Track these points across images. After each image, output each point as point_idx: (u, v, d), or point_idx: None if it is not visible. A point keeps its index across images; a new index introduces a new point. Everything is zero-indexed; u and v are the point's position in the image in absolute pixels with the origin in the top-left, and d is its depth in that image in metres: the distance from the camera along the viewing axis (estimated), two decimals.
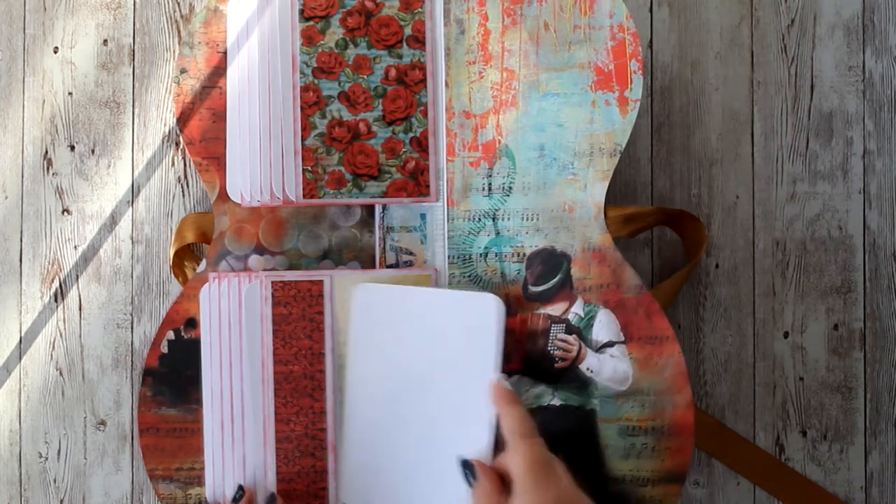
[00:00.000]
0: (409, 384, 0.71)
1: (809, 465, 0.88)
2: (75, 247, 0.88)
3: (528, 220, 0.75)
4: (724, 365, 0.88)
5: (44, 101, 0.88)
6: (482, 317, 0.68)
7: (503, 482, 0.63)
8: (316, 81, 0.74)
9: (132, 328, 0.88)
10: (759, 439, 0.88)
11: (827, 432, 0.88)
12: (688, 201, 0.88)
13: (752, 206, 0.89)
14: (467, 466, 0.65)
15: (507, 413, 0.64)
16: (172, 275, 0.85)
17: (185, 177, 0.88)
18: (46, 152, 0.88)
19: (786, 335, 0.88)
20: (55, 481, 0.88)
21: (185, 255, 0.84)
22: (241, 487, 0.72)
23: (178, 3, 0.88)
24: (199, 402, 0.74)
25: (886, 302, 0.88)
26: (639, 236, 0.88)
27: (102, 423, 0.88)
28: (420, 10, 0.74)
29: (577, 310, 0.75)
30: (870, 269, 0.89)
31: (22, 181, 0.88)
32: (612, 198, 0.87)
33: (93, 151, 0.88)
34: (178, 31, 0.88)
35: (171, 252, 0.83)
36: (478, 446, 0.66)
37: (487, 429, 0.66)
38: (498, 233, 0.75)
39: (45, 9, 0.88)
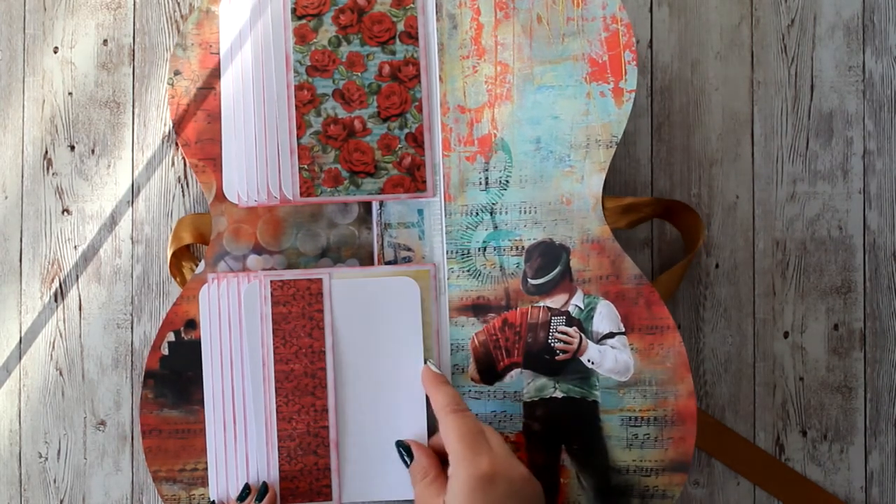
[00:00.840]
0: (351, 373, 0.74)
1: (809, 465, 0.88)
2: (75, 247, 0.88)
3: (525, 213, 0.75)
4: (724, 365, 0.88)
5: (44, 101, 0.88)
6: (405, 299, 0.73)
7: (439, 458, 0.68)
8: (310, 80, 0.74)
9: (132, 328, 0.88)
10: (759, 439, 0.88)
11: (827, 432, 0.88)
12: (688, 201, 0.88)
13: (752, 206, 0.89)
14: (402, 446, 0.70)
15: (435, 392, 0.68)
16: (171, 276, 0.85)
17: (185, 177, 0.88)
18: (46, 152, 0.88)
19: (786, 335, 0.88)
20: (55, 481, 0.88)
21: (183, 256, 0.84)
22: (246, 486, 0.72)
23: (178, 3, 0.88)
24: (200, 402, 0.74)
25: (886, 302, 0.88)
26: (639, 236, 0.88)
27: (102, 423, 0.88)
28: (412, 5, 0.74)
29: (577, 301, 0.75)
30: (870, 269, 0.88)
31: (22, 181, 0.88)
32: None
33: (93, 151, 0.88)
34: (179, 31, 0.88)
35: (169, 253, 0.83)
36: (418, 424, 0.73)
37: (423, 407, 0.73)
38: (496, 226, 0.75)
39: (45, 9, 0.89)
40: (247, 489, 0.72)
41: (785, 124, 0.89)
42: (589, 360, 0.74)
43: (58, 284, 0.88)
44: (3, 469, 0.88)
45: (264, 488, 0.71)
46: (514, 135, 0.75)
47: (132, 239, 0.88)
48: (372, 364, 0.73)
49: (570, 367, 0.74)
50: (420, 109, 0.74)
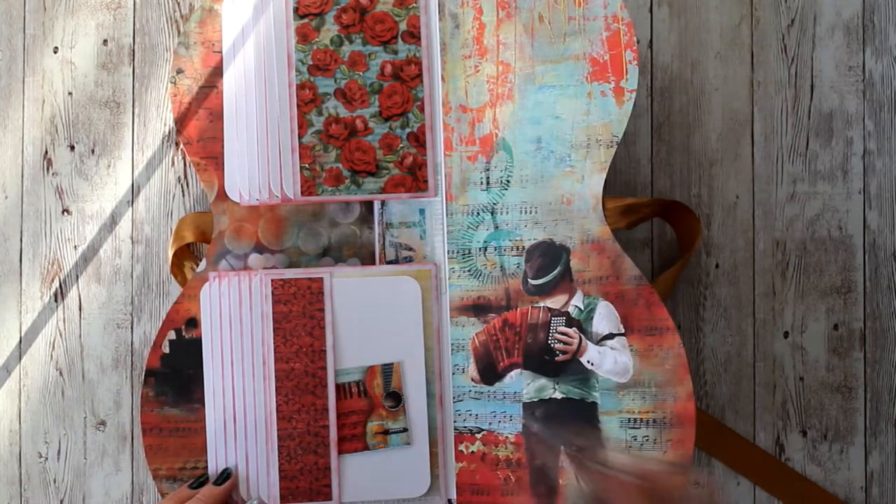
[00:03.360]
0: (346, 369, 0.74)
1: (809, 465, 0.88)
2: (75, 247, 0.88)
3: (526, 213, 0.75)
4: (724, 365, 0.88)
5: (44, 101, 0.88)
6: (406, 299, 0.74)
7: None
8: (312, 79, 0.74)
9: (132, 328, 0.88)
10: (759, 439, 0.88)
11: (827, 432, 0.88)
12: (688, 201, 0.88)
13: (752, 206, 0.89)
14: None
15: None
16: (171, 275, 0.85)
17: (185, 177, 0.88)
18: (46, 152, 0.88)
19: (786, 335, 0.88)
20: (55, 481, 0.88)
21: (184, 255, 0.84)
22: (226, 471, 0.72)
23: (178, 3, 0.88)
24: (201, 401, 0.74)
25: (886, 302, 0.88)
26: (639, 236, 0.88)
27: (102, 423, 0.88)
28: (414, 5, 0.75)
29: (577, 302, 0.75)
30: (870, 269, 0.88)
31: (22, 181, 0.88)
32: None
33: (93, 151, 0.88)
34: (178, 31, 0.88)
35: (170, 252, 0.83)
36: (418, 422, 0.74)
37: (424, 405, 0.73)
38: (497, 226, 0.75)
39: (45, 9, 0.89)
40: (226, 474, 0.72)
41: (785, 124, 0.89)
42: (588, 361, 0.74)
43: (58, 284, 0.88)
44: (3, 469, 0.88)
45: (225, 475, 0.71)
46: (516, 134, 0.75)
47: (132, 239, 0.88)
48: (372, 364, 0.73)
49: (570, 368, 0.74)
50: (422, 109, 0.74)
